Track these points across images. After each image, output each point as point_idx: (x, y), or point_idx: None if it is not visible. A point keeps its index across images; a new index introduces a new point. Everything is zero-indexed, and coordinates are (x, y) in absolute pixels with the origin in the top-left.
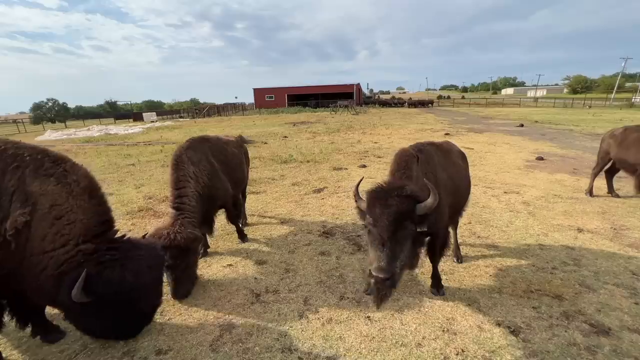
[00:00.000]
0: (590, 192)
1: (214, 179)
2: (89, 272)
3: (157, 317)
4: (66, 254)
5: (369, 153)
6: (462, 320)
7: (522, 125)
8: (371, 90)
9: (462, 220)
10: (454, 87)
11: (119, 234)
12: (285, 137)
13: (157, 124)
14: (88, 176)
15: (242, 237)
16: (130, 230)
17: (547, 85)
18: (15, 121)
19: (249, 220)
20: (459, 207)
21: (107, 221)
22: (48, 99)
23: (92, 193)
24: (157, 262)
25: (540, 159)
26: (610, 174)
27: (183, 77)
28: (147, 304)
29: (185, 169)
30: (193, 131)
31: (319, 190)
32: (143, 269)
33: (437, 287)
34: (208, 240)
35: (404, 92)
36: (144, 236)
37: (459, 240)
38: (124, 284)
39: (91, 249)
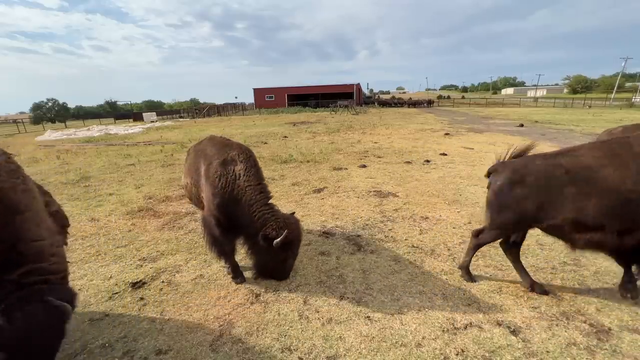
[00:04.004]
0: None
1: None
2: None
3: (158, 317)
4: None
5: (369, 153)
6: (462, 320)
7: (522, 125)
8: (371, 90)
9: (462, 220)
10: (454, 87)
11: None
12: (285, 137)
13: (157, 124)
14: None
15: None
16: (129, 231)
17: (547, 85)
18: (15, 121)
19: None
20: None
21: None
22: (48, 99)
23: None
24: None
25: None
26: None
27: (183, 77)
28: None
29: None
30: (193, 131)
31: (319, 190)
32: None
33: None
34: None
35: (404, 92)
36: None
37: (459, 241)
38: None
39: None
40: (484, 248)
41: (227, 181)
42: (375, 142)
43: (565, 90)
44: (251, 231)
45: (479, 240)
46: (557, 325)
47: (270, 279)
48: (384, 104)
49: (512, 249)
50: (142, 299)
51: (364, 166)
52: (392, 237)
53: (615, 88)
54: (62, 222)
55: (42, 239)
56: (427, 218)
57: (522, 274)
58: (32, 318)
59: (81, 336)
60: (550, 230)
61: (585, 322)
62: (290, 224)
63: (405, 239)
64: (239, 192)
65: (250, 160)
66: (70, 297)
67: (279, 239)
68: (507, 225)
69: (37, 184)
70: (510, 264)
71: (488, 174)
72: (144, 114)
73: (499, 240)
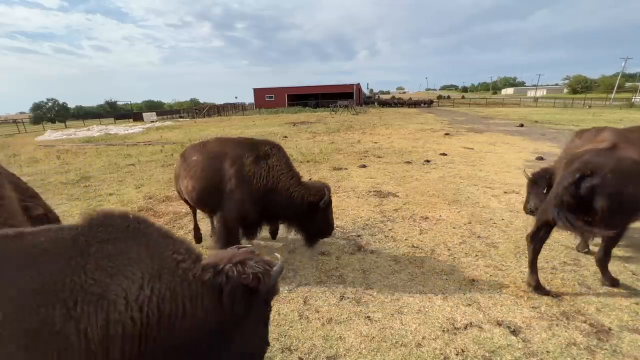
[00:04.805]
0: None
1: None
2: None
3: None
4: None
5: (369, 153)
6: (462, 320)
7: (522, 125)
8: (371, 90)
9: (462, 220)
10: (454, 87)
11: None
12: (285, 137)
13: (157, 124)
14: None
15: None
16: None
17: (547, 85)
18: (15, 121)
19: None
20: None
21: None
22: (48, 99)
23: None
24: None
25: (540, 159)
26: None
27: (183, 77)
28: None
29: None
30: (193, 131)
31: None
32: None
33: None
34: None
35: (404, 92)
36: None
37: (459, 241)
38: None
39: None
40: (484, 248)
41: (262, 175)
42: (375, 142)
43: (565, 90)
44: (292, 211)
45: (610, 254)
46: (557, 325)
47: (322, 239)
48: (384, 104)
49: (539, 244)
50: None
51: (364, 166)
52: (392, 237)
53: (615, 88)
54: None
55: None
56: (427, 218)
57: (532, 271)
58: None
59: None
60: None
61: (585, 322)
62: (323, 185)
63: (405, 239)
64: (274, 182)
65: (281, 151)
66: None
67: (326, 197)
68: (627, 223)
69: (25, 186)
70: (511, 264)
71: (588, 173)
72: (144, 114)
73: (528, 234)
